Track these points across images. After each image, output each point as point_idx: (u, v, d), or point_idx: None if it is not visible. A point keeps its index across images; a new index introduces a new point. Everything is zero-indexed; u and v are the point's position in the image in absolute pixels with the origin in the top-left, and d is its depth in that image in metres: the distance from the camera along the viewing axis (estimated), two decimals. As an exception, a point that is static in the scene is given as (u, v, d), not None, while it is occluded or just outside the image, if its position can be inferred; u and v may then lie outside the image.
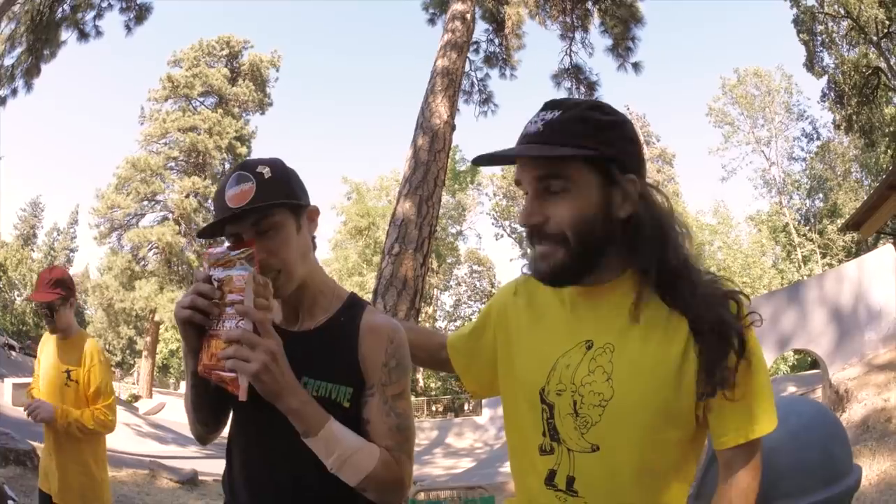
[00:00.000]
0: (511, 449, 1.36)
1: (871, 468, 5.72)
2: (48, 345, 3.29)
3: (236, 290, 1.22)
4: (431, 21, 12.36)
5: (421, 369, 24.35)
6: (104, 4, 11.80)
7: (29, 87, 11.43)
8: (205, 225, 1.40)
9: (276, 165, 1.43)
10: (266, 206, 1.35)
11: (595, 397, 1.14)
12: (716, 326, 1.09)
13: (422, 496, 3.55)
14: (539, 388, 1.22)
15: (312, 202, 1.53)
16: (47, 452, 3.18)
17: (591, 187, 1.14)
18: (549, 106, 1.19)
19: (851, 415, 7.23)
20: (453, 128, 8.54)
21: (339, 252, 37.90)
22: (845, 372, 8.27)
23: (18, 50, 11.19)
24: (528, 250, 1.26)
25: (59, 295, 3.16)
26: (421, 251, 7.43)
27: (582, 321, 1.23)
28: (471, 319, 10.98)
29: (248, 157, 1.51)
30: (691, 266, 1.18)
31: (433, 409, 32.50)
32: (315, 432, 1.28)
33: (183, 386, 24.98)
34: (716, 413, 1.12)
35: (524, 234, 1.21)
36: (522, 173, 1.19)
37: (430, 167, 7.96)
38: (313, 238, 1.53)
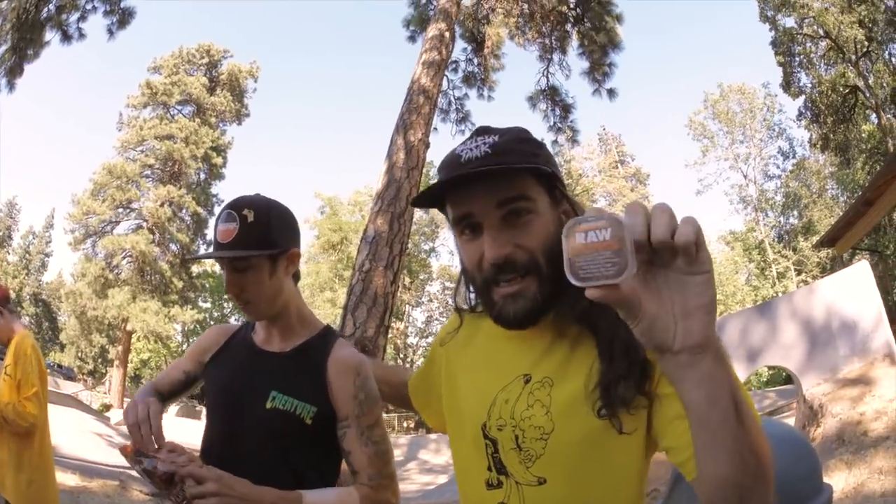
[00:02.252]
0: (459, 485, 1.32)
1: (848, 481, 5.76)
2: None
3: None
4: (412, 38, 12.31)
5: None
6: (88, 7, 11.75)
7: (11, 86, 11.28)
8: (197, 255, 1.65)
9: (260, 210, 1.59)
10: (239, 256, 1.55)
11: (536, 431, 1.11)
12: (616, 343, 1.04)
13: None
14: (481, 423, 1.19)
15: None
16: None
17: (547, 208, 1.12)
18: (482, 132, 1.14)
19: (826, 429, 7.26)
20: (427, 146, 8.58)
21: (311, 266, 37.97)
22: (819, 387, 8.30)
23: (3, 48, 11.05)
24: (477, 295, 1.22)
25: None
26: (392, 268, 7.44)
27: (519, 355, 1.20)
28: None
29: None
30: None
31: (404, 425, 32.31)
32: None
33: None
34: (666, 433, 1.01)
35: (484, 277, 1.12)
36: (476, 202, 1.09)
37: (403, 184, 7.97)
38: (296, 273, 1.73)
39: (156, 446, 1.43)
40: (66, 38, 11.60)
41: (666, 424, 0.99)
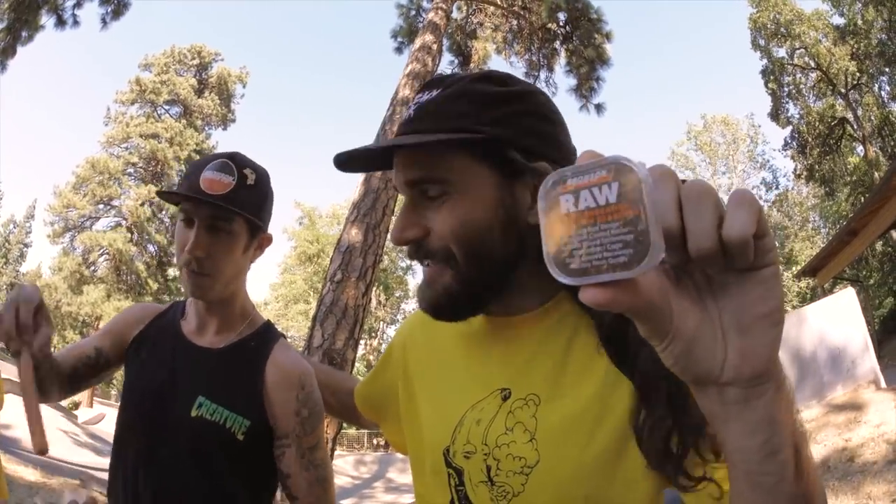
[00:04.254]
0: None
1: None
2: None
3: None
4: (399, 50, 12.20)
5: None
6: (85, -7, 11.65)
7: (3, 66, 11.16)
8: (167, 190, 1.34)
9: (262, 179, 1.39)
10: (231, 211, 1.31)
11: (515, 462, 0.85)
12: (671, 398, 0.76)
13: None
14: (443, 448, 0.93)
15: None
16: None
17: (483, 186, 0.85)
18: (430, 85, 0.89)
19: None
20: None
21: (286, 277, 37.54)
22: (804, 413, 8.30)
23: None
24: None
25: None
26: (364, 280, 7.22)
27: (497, 363, 0.94)
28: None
29: (237, 154, 1.41)
30: None
31: (374, 442, 31.74)
32: None
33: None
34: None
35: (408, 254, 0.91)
36: (397, 177, 0.89)
37: (381, 195, 7.79)
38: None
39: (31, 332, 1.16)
40: (61, 22, 11.45)
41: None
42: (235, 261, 1.37)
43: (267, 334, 1.45)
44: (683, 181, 0.46)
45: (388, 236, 0.85)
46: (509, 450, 0.86)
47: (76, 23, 11.53)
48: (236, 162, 1.34)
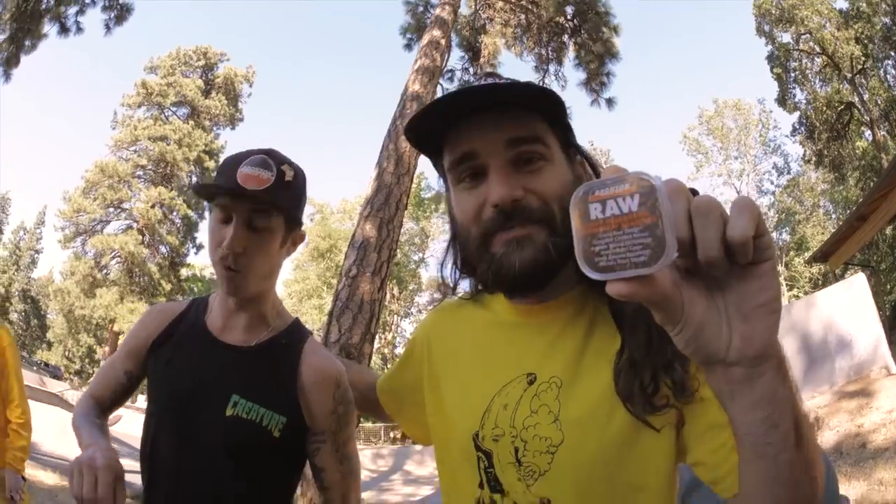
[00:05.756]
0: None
1: (848, 492, 5.70)
2: None
3: None
4: (408, 46, 12.19)
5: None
6: (87, 0, 11.65)
7: (7, 76, 11.20)
8: (203, 183, 1.33)
9: (300, 175, 1.38)
10: (271, 207, 1.31)
11: (541, 443, 0.92)
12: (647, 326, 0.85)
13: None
14: (472, 433, 0.99)
15: None
16: None
17: (563, 161, 0.97)
18: (489, 75, 1.00)
19: (824, 441, 7.22)
20: (419, 153, 8.38)
21: (299, 273, 37.61)
22: (815, 399, 8.30)
23: (1, 37, 10.96)
24: (469, 257, 1.02)
25: None
26: (379, 275, 7.26)
27: (522, 349, 1.00)
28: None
29: (214, 170, 1.35)
30: None
31: (391, 435, 31.88)
32: None
33: (141, 399, 24.36)
34: (698, 444, 0.85)
35: (484, 227, 0.95)
36: (482, 138, 0.93)
37: (393, 190, 7.84)
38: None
39: None
40: (64, 30, 11.50)
41: (699, 434, 0.84)
42: (271, 257, 1.36)
43: (297, 332, 1.46)
44: (694, 193, 0.54)
45: (489, 199, 0.87)
46: (535, 431, 0.92)
47: (80, 29, 11.60)
48: (274, 158, 1.33)
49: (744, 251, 0.52)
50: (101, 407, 1.45)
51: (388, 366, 40.86)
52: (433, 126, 0.97)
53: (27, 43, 11.15)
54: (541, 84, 1.02)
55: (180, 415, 1.32)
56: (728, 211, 0.54)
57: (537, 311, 1.01)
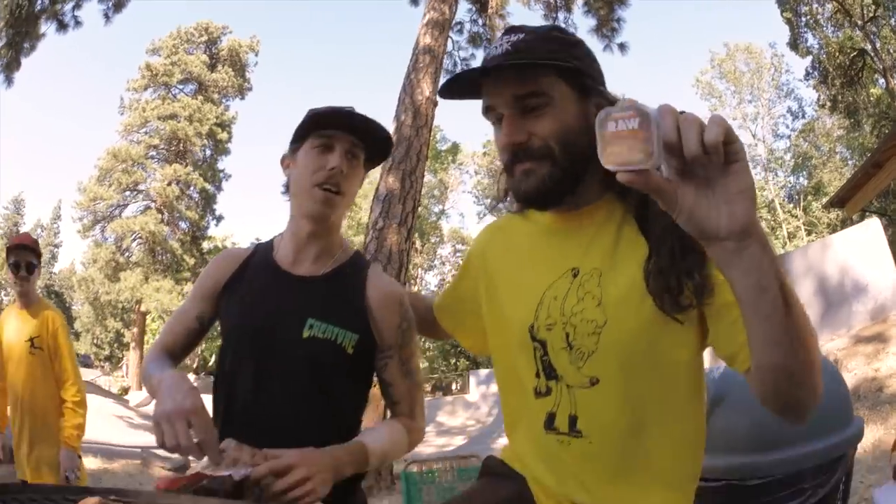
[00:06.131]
0: (504, 401, 1.31)
1: (866, 436, 5.65)
2: (10, 317, 3.26)
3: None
4: (414, 1, 12.17)
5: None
6: (82, -6, 11.66)
7: (9, 80, 11.33)
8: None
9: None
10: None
11: (588, 325, 1.10)
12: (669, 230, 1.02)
13: (414, 468, 3.50)
14: (528, 325, 1.18)
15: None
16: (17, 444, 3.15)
17: (570, 101, 1.14)
18: (511, 30, 1.17)
19: (842, 383, 7.14)
20: (435, 104, 8.53)
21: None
22: (833, 342, 8.30)
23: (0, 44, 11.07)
24: (506, 184, 1.23)
25: (38, 254, 3.25)
26: (405, 225, 7.46)
27: (565, 250, 1.19)
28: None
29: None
30: None
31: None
32: (365, 467, 1.37)
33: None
34: (717, 322, 1.03)
35: (506, 159, 1.17)
36: (496, 96, 1.15)
37: (413, 142, 7.98)
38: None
39: (221, 456, 1.19)
40: (62, 27, 11.58)
41: (715, 313, 1.01)
42: (358, 187, 1.54)
43: (360, 260, 1.59)
44: (682, 112, 0.73)
45: (496, 143, 1.06)
46: (583, 315, 1.11)
47: (78, 24, 11.66)
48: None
49: (717, 151, 0.70)
50: (172, 354, 1.53)
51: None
52: (465, 88, 1.21)
53: (25, 45, 11.27)
54: (555, 32, 1.21)
55: (259, 343, 1.42)
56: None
57: (573, 217, 1.19)
